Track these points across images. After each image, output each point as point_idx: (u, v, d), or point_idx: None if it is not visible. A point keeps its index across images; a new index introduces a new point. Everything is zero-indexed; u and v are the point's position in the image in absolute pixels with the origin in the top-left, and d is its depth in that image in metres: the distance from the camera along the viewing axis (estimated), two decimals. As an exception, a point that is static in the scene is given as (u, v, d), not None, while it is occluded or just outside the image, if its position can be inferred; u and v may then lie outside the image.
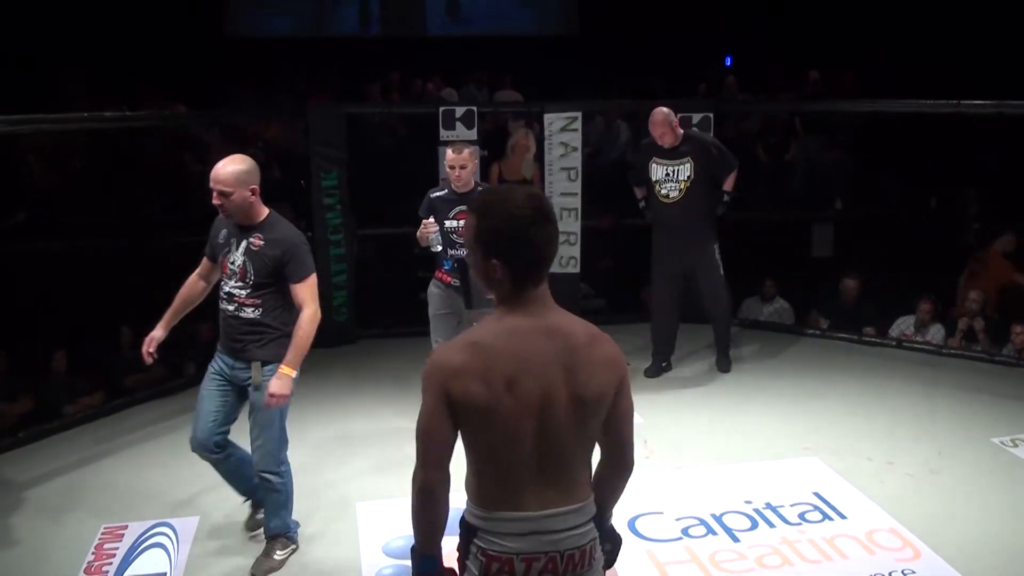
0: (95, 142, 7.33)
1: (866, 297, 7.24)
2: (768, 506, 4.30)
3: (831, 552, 3.92)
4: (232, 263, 3.63)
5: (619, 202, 7.04)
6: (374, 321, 7.10)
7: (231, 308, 3.64)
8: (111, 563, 3.93)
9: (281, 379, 3.54)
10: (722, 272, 5.97)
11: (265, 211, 3.66)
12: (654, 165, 5.86)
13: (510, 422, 2.00)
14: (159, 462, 4.91)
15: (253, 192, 3.57)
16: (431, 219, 4.77)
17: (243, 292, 3.61)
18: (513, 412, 2.00)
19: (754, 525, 4.15)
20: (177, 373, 6.27)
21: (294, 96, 8.78)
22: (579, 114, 6.89)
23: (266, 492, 3.81)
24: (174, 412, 5.55)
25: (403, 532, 3.97)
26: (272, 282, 3.61)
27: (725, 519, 4.20)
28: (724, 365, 6.21)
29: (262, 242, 3.59)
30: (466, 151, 4.77)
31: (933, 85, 6.94)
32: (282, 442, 3.75)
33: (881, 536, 4.04)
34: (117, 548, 4.05)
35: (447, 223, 4.80)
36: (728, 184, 5.87)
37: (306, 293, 3.59)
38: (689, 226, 5.82)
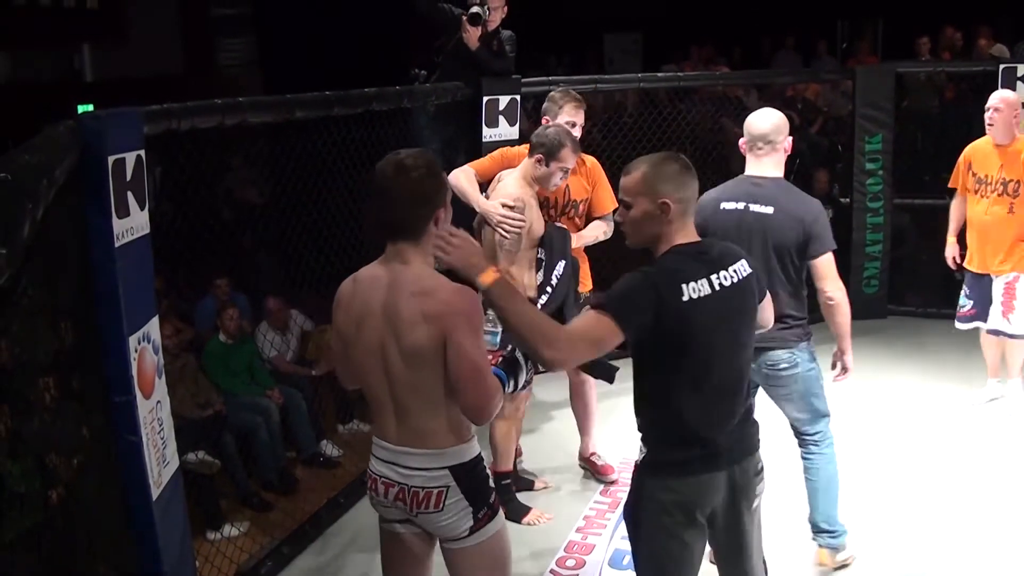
0: (640, 102, 7.75)
1: None
2: None
3: None
4: None
5: None
6: (905, 298, 6.63)
7: None
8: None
9: None
10: None
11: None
12: None
13: (358, 359, 2.26)
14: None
15: None
16: None
17: None
18: (360, 350, 2.24)
19: None
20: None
21: (835, 56, 8.48)
22: None
23: None
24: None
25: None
26: None
27: None
28: None
29: None
30: None
31: None
32: None
33: None
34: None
35: None
36: None
37: None
38: None
